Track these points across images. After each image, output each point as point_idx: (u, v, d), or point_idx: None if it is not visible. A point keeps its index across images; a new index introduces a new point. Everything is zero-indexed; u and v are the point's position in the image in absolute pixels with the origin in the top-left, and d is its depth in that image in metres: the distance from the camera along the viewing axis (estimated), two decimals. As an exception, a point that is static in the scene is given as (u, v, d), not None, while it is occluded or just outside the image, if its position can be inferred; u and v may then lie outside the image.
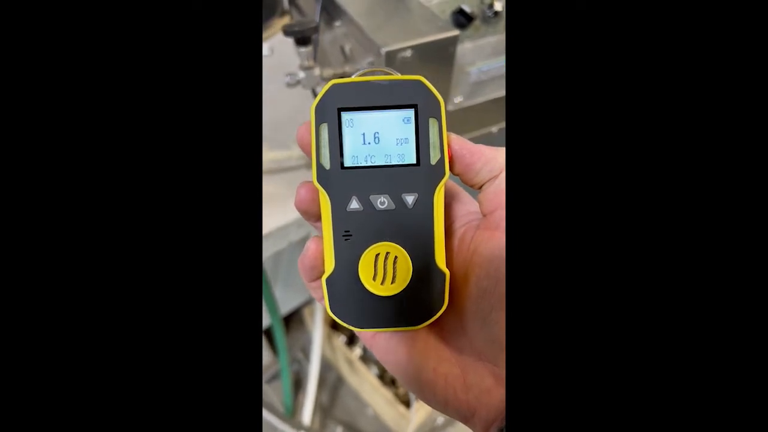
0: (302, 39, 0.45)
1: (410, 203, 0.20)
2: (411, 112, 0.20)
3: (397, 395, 1.04)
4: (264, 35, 0.72)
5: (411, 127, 0.20)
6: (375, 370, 1.07)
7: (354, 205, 0.20)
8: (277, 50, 0.71)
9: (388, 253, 0.20)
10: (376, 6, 0.49)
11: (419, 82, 0.20)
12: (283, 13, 0.75)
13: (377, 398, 1.07)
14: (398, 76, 0.20)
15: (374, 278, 0.20)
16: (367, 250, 0.20)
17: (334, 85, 0.20)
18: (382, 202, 0.20)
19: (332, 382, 1.18)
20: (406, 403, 1.03)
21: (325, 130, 0.20)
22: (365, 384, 1.09)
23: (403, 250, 0.20)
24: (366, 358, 1.11)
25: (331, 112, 0.20)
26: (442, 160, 0.20)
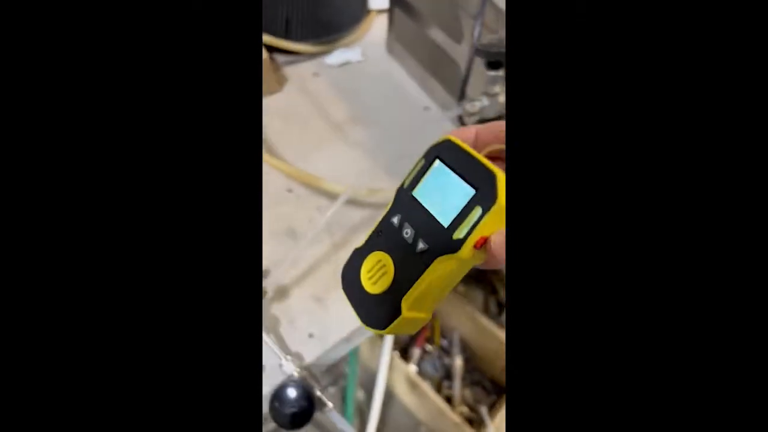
0: (497, 62, 0.40)
1: (419, 248, 0.24)
2: (472, 192, 0.23)
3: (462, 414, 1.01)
4: (353, 37, 0.72)
5: (464, 201, 0.23)
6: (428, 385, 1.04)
7: (395, 219, 0.25)
8: (370, 54, 0.71)
9: (385, 264, 0.25)
10: None
11: (495, 177, 0.22)
12: (369, 12, 0.74)
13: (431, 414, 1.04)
14: (487, 162, 0.23)
15: (368, 272, 0.26)
16: (377, 251, 0.26)
17: (448, 140, 0.25)
18: (407, 232, 0.25)
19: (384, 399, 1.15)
20: (470, 422, 1.00)
21: (421, 163, 0.26)
22: (424, 400, 1.05)
23: (393, 268, 0.25)
24: (421, 373, 1.09)
25: (433, 155, 0.25)
26: (462, 241, 0.23)
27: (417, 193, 0.25)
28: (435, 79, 0.61)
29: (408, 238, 0.24)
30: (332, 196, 0.53)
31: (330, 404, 0.36)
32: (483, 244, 0.22)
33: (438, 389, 1.12)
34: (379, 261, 0.25)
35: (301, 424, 0.35)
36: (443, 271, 0.23)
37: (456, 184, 0.23)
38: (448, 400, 1.08)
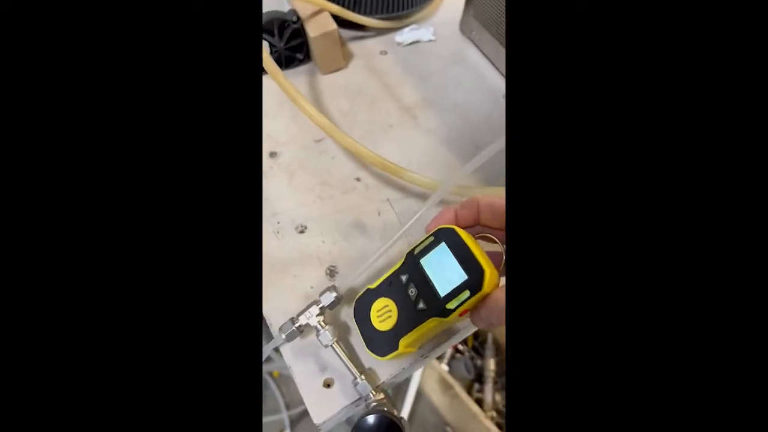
0: None
1: (419, 307, 0.31)
2: (465, 276, 0.29)
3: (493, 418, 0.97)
4: (424, 14, 0.65)
5: (458, 281, 0.29)
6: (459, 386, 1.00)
7: (403, 278, 0.33)
8: (442, 33, 0.65)
9: (391, 310, 0.33)
10: None
11: (484, 272, 0.28)
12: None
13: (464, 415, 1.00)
14: (481, 259, 0.29)
15: (377, 312, 0.34)
16: (386, 297, 0.34)
17: (453, 229, 0.31)
18: (412, 291, 0.32)
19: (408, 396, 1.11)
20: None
21: (430, 239, 0.32)
22: (454, 402, 1.01)
23: (396, 314, 0.33)
24: (452, 373, 1.04)
25: (440, 238, 0.31)
26: (452, 311, 0.29)
27: (423, 262, 0.32)
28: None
29: (412, 296, 0.32)
30: (402, 188, 0.48)
31: (408, 432, 0.31)
32: (464, 313, 0.30)
33: (468, 391, 1.08)
34: (386, 306, 0.33)
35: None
36: (434, 325, 0.31)
37: (454, 267, 0.30)
38: (478, 403, 1.03)
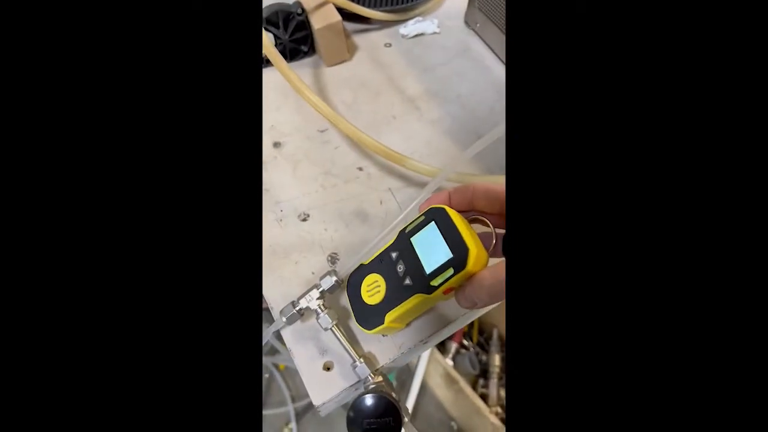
0: None
1: (405, 283, 0.32)
2: (450, 255, 0.30)
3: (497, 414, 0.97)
4: (428, 6, 0.66)
5: (444, 259, 0.30)
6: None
7: (394, 255, 0.34)
8: (447, 25, 0.65)
9: (380, 285, 0.34)
10: None
11: (468, 251, 0.29)
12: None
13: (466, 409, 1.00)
14: (467, 238, 0.30)
15: (367, 287, 0.35)
16: (377, 273, 0.35)
17: (443, 209, 0.32)
18: (400, 268, 0.33)
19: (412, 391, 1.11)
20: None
21: (421, 218, 0.33)
22: (459, 396, 1.01)
23: (385, 289, 0.34)
24: (456, 368, 1.04)
25: (431, 217, 0.32)
26: (436, 287, 0.30)
27: (414, 240, 0.33)
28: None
29: (400, 272, 0.33)
30: (404, 178, 0.48)
31: (406, 418, 0.32)
32: (449, 291, 0.31)
33: (473, 387, 1.08)
34: (376, 281, 0.35)
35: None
36: (418, 302, 0.32)
37: (441, 245, 0.31)
38: (483, 398, 1.03)
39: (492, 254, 0.31)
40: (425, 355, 0.93)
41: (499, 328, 1.15)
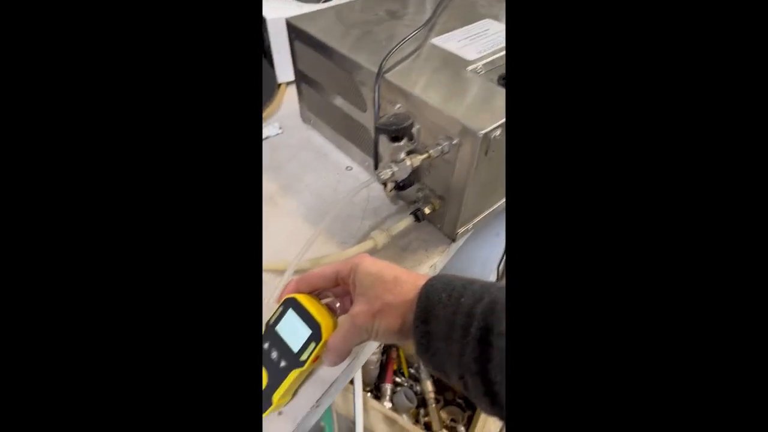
0: (397, 137, 0.46)
1: (281, 365, 0.40)
2: (309, 332, 0.40)
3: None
4: (267, 111, 0.76)
5: (305, 336, 0.40)
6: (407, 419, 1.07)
7: (266, 345, 0.42)
8: (288, 125, 0.76)
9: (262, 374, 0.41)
10: (439, 84, 0.50)
11: (320, 325, 0.39)
12: (279, 85, 0.79)
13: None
14: (317, 316, 0.40)
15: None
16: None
17: (294, 298, 0.42)
18: (274, 354, 0.41)
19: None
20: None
21: (280, 309, 0.42)
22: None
23: (267, 376, 0.41)
24: (396, 408, 1.11)
25: (288, 306, 0.42)
26: (305, 361, 0.39)
27: (278, 329, 0.42)
28: (350, 142, 0.67)
29: (274, 359, 0.41)
30: (274, 272, 0.56)
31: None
32: (316, 359, 0.40)
33: (416, 419, 1.14)
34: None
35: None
36: (296, 375, 0.40)
37: (300, 326, 0.40)
38: (428, 427, 1.10)
39: (342, 313, 0.42)
40: (359, 407, 0.99)
41: (425, 355, 1.24)
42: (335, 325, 0.40)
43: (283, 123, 0.75)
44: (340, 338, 0.38)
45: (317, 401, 0.45)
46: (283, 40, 0.72)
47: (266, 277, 0.55)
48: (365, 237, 0.59)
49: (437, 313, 0.33)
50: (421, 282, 0.35)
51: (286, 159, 0.70)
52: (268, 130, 0.73)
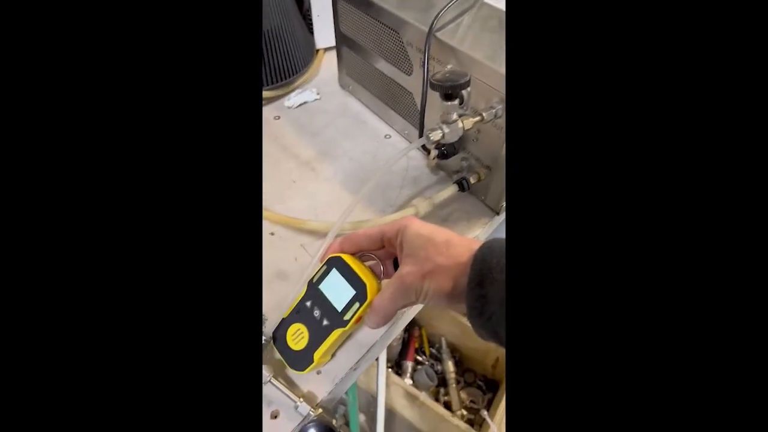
0: (451, 94, 0.43)
1: (323, 324, 0.40)
2: (353, 292, 0.39)
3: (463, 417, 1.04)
4: (306, 77, 0.75)
5: (349, 296, 0.39)
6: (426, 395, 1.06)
7: (308, 303, 0.41)
8: (325, 91, 0.74)
9: (302, 332, 0.41)
10: (493, 45, 0.47)
11: (366, 285, 0.38)
12: (317, 51, 0.77)
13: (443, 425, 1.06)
14: (362, 275, 0.39)
15: (292, 336, 0.42)
16: (297, 323, 0.42)
17: (340, 257, 0.40)
18: (316, 312, 0.41)
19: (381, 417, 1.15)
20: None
21: (324, 268, 0.41)
22: (424, 411, 1.07)
23: (308, 334, 0.41)
24: (416, 385, 1.11)
25: (332, 265, 0.41)
26: (349, 320, 0.39)
27: (321, 287, 0.41)
28: (391, 108, 0.65)
29: (317, 317, 0.40)
30: (313, 232, 0.55)
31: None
32: (359, 320, 0.39)
33: (435, 398, 1.14)
34: (299, 329, 0.42)
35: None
36: (338, 335, 0.40)
37: (344, 286, 0.39)
38: (447, 406, 1.10)
39: (384, 278, 0.40)
40: (382, 383, 0.99)
41: (446, 336, 1.24)
42: (379, 288, 0.38)
43: (321, 89, 0.73)
44: (386, 298, 0.36)
45: (356, 363, 0.44)
46: (324, 2, 0.70)
47: (307, 239, 0.54)
48: (404, 206, 0.57)
49: (494, 276, 0.31)
50: (476, 246, 0.34)
51: (323, 125, 0.68)
52: (306, 95, 0.72)
